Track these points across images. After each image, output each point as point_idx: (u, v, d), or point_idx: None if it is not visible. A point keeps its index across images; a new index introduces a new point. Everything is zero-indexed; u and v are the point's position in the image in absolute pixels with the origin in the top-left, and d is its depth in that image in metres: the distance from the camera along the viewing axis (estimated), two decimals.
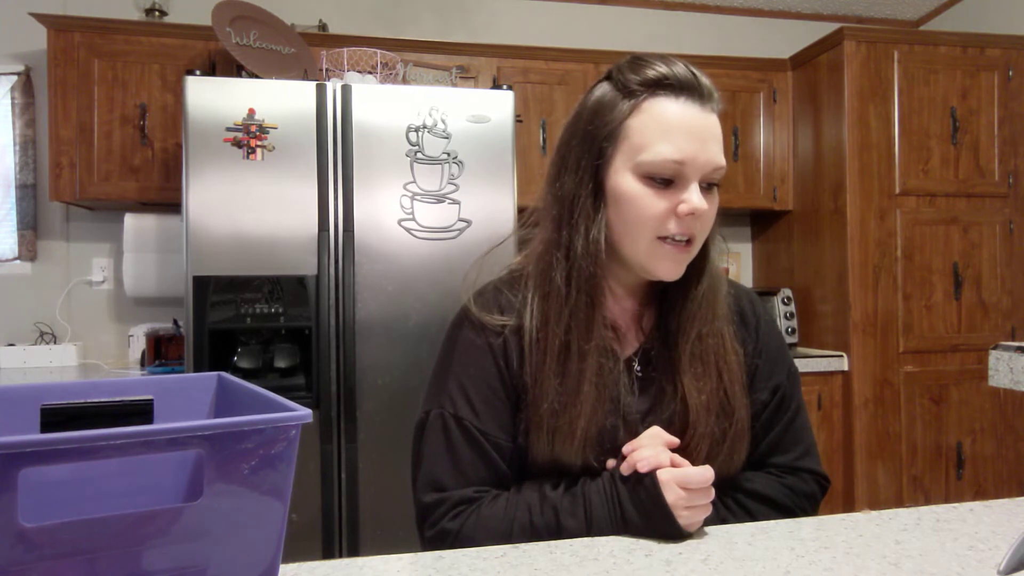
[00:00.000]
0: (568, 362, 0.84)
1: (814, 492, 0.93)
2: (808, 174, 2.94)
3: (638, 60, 0.85)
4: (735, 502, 0.89)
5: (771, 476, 0.92)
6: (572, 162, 0.86)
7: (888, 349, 2.68)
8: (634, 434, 0.85)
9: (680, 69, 0.82)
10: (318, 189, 2.10)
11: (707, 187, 0.84)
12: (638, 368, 0.90)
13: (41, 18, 2.46)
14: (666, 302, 0.91)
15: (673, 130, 0.80)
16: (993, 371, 1.10)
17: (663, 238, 0.83)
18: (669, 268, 0.84)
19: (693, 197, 0.81)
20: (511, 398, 0.88)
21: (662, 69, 0.82)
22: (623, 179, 0.83)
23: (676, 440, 0.84)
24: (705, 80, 0.83)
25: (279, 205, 2.08)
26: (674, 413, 0.87)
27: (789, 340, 2.84)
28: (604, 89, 0.86)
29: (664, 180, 0.82)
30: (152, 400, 0.66)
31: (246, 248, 2.06)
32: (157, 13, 2.77)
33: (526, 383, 0.86)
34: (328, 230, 2.10)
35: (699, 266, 0.89)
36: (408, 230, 2.15)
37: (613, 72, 0.86)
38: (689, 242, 0.84)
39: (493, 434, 0.86)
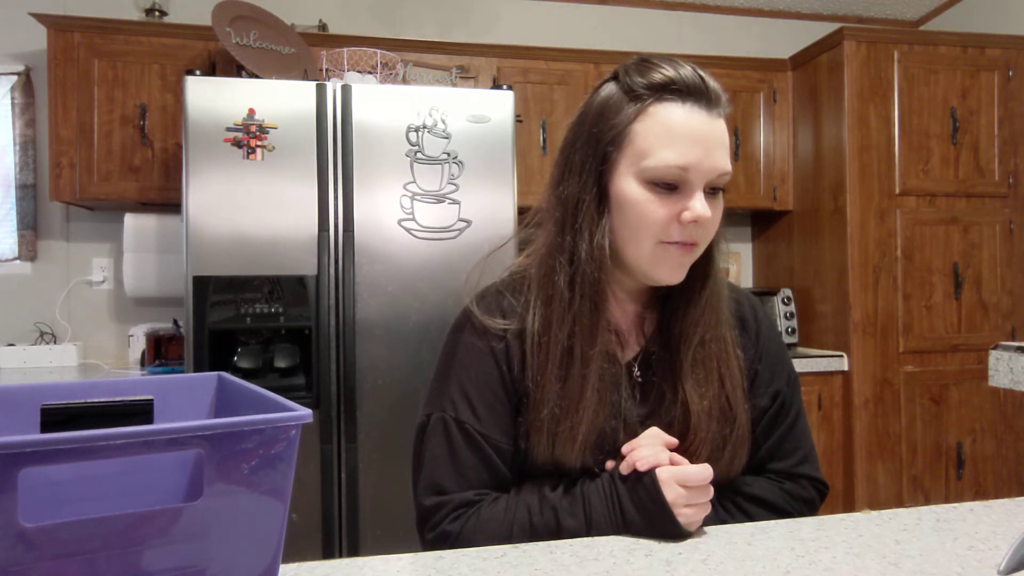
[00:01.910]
0: (571, 367, 0.84)
1: (813, 498, 0.93)
2: (808, 174, 2.94)
3: (645, 62, 0.83)
4: (734, 505, 0.89)
5: (770, 481, 0.92)
6: (576, 164, 0.85)
7: (888, 349, 2.68)
8: (634, 435, 0.85)
9: (687, 72, 0.80)
10: (318, 189, 2.10)
11: (712, 192, 0.83)
12: (638, 372, 0.90)
13: (41, 18, 2.46)
14: (669, 306, 0.91)
15: (678, 136, 0.79)
16: (993, 371, 1.10)
17: (666, 243, 0.82)
18: (670, 273, 0.84)
19: (696, 204, 0.80)
20: (512, 401, 0.88)
21: (669, 72, 0.80)
22: (627, 184, 0.82)
23: (675, 440, 0.84)
24: (713, 84, 0.81)
25: (279, 205, 2.08)
26: (675, 418, 0.87)
27: (789, 340, 2.84)
28: (610, 90, 0.84)
29: (668, 186, 0.81)
30: (152, 400, 0.66)
31: (246, 248, 2.06)
32: (157, 13, 2.77)
33: (527, 387, 0.86)
34: (328, 230, 2.10)
35: (703, 270, 0.88)
36: (408, 230, 2.15)
37: (619, 73, 0.85)
38: (692, 245, 0.83)
39: (494, 437, 0.86)
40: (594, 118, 0.84)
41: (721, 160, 0.81)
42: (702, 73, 0.81)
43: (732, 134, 2.96)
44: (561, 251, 0.85)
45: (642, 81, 0.81)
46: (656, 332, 0.92)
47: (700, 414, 0.85)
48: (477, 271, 0.95)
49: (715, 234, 0.87)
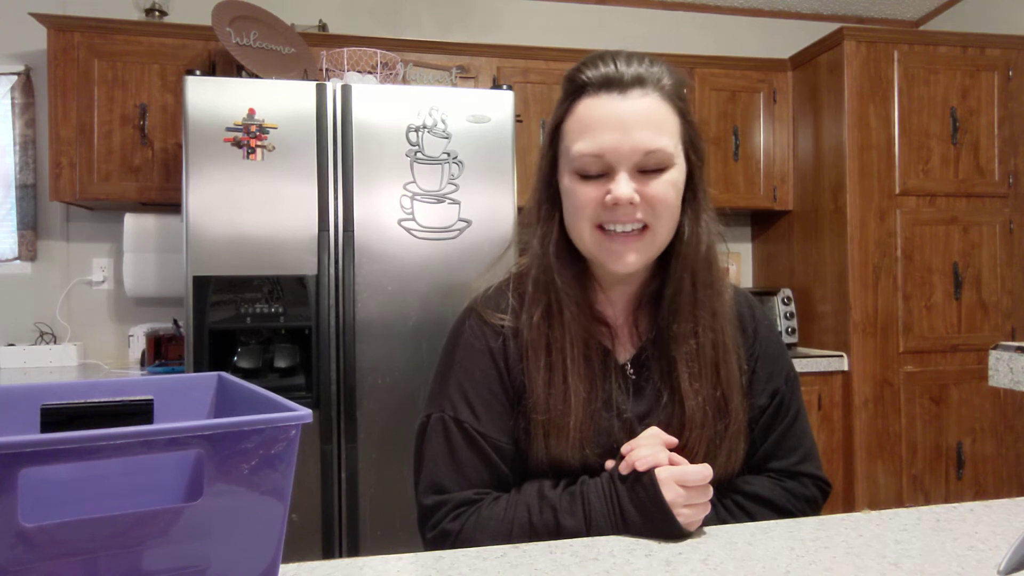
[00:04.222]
0: (552, 357, 0.86)
1: (815, 496, 0.92)
2: (808, 174, 2.94)
3: (577, 66, 0.87)
4: (735, 504, 0.89)
5: (771, 480, 0.92)
6: (539, 165, 0.92)
7: (888, 349, 2.68)
8: (632, 434, 0.85)
9: (602, 70, 0.83)
10: (318, 189, 2.10)
11: (649, 172, 0.83)
12: (631, 370, 0.90)
13: (41, 18, 2.46)
14: (662, 299, 0.91)
15: (590, 126, 0.83)
16: (993, 371, 1.10)
17: (603, 229, 0.84)
18: (614, 259, 0.85)
19: (615, 187, 0.82)
20: (511, 400, 0.89)
21: (589, 73, 0.84)
22: (564, 179, 0.87)
23: (674, 440, 0.84)
24: (633, 68, 0.83)
25: (279, 205, 2.08)
26: (671, 414, 0.87)
27: (789, 340, 2.84)
28: (559, 95, 0.90)
29: (592, 174, 0.84)
30: (152, 400, 0.66)
31: (246, 248, 2.06)
32: (157, 13, 2.77)
33: (523, 383, 0.87)
34: (328, 230, 2.10)
35: (692, 261, 0.88)
36: (408, 230, 2.15)
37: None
38: (645, 229, 0.84)
39: (493, 436, 0.87)
40: (548, 122, 0.91)
41: (643, 139, 0.82)
42: (621, 60, 0.84)
43: (732, 134, 2.97)
44: (534, 248, 0.91)
45: (567, 85, 0.87)
46: (651, 328, 0.92)
47: (695, 411, 0.86)
48: (484, 280, 0.98)
49: (700, 226, 0.88)
